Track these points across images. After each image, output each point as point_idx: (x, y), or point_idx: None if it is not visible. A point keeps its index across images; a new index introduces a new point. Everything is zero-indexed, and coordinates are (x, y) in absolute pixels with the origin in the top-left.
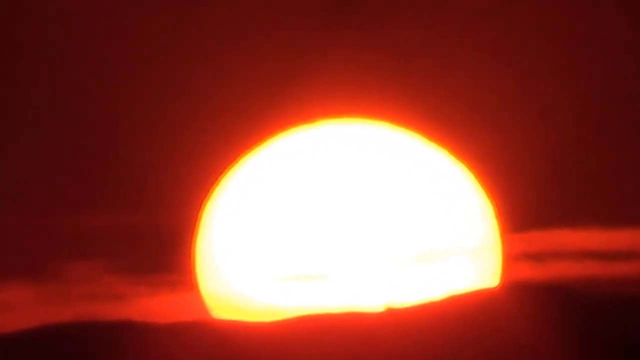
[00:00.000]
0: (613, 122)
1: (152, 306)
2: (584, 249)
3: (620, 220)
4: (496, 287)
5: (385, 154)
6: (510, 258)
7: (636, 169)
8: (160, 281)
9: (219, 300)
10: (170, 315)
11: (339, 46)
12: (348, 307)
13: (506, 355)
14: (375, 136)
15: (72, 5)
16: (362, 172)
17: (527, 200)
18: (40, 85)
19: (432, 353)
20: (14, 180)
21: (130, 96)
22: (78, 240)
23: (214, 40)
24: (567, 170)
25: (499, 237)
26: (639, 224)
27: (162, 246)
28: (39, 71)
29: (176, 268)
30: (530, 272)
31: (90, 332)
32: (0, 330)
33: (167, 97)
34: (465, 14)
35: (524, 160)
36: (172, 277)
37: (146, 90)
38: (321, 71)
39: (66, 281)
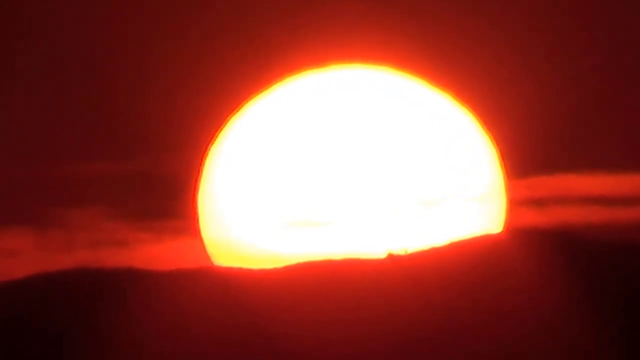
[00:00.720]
0: (619, 69)
1: (154, 253)
2: (588, 194)
3: (625, 165)
4: (500, 233)
5: (389, 99)
6: (514, 203)
7: None
8: (163, 227)
9: (222, 247)
10: (172, 261)
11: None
12: (350, 253)
13: (509, 300)
14: (379, 81)
15: None
16: (366, 117)
17: (531, 146)
18: (41, 39)
19: (434, 298)
20: (16, 129)
21: (133, 44)
22: (80, 187)
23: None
24: (571, 116)
25: (502, 183)
26: None
27: (164, 193)
28: (38, 27)
29: (179, 214)
30: (534, 217)
31: (92, 279)
32: (2, 277)
33: (170, 44)
34: None
35: (528, 105)
36: (175, 223)
37: (149, 38)
38: (325, 16)
39: (68, 228)
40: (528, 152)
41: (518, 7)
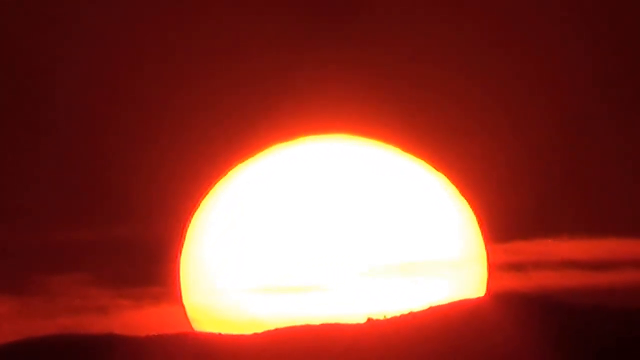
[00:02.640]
0: (594, 134)
1: (135, 319)
2: (566, 259)
3: (602, 230)
4: (479, 297)
5: (368, 168)
6: (494, 268)
7: (617, 181)
8: (144, 294)
9: (203, 313)
10: (153, 327)
11: (322, 64)
12: (329, 318)
13: None
14: (358, 151)
15: (72, 8)
16: (346, 185)
17: (510, 211)
18: (24, 102)
19: None
20: None
21: (116, 111)
22: (61, 254)
23: (205, 57)
24: (549, 182)
25: (482, 248)
26: (621, 234)
27: (145, 259)
28: (25, 86)
29: (160, 281)
30: (514, 282)
31: (74, 345)
32: None
33: (154, 113)
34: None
35: (506, 172)
36: (156, 290)
37: (130, 105)
38: (305, 88)
39: (50, 294)
40: (506, 218)
41: (490, 82)
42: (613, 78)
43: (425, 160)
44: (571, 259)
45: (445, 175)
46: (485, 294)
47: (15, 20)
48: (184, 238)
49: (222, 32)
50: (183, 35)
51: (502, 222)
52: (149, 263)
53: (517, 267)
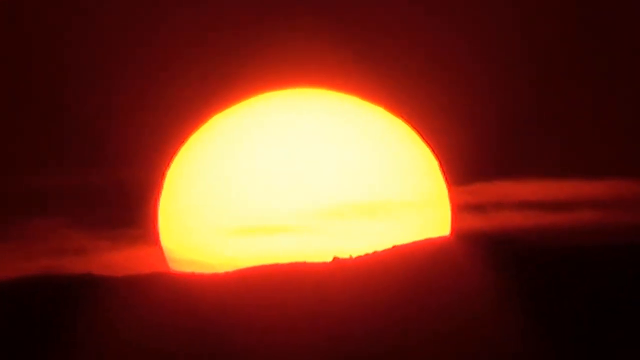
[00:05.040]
0: (554, 72)
1: (113, 260)
2: (525, 200)
3: (560, 171)
4: (443, 237)
5: (332, 115)
6: (456, 209)
7: (575, 121)
8: (122, 236)
9: (178, 254)
10: (130, 268)
11: (287, 16)
12: (298, 257)
13: (450, 303)
14: (323, 100)
15: None
16: (313, 131)
17: (470, 154)
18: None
19: (379, 302)
20: None
21: (94, 57)
22: (41, 199)
23: (174, 11)
24: (508, 123)
25: (444, 190)
26: (579, 175)
27: (123, 202)
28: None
29: (137, 223)
30: (475, 222)
31: (54, 285)
32: None
33: (133, 58)
34: None
35: (467, 114)
36: (134, 232)
37: (112, 50)
38: (269, 41)
39: (30, 238)
40: (467, 160)
41: (449, 18)
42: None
43: (385, 107)
44: (530, 200)
45: (405, 120)
46: (448, 234)
47: None
48: (162, 182)
49: None
50: None
51: (463, 165)
52: (127, 206)
53: (478, 208)
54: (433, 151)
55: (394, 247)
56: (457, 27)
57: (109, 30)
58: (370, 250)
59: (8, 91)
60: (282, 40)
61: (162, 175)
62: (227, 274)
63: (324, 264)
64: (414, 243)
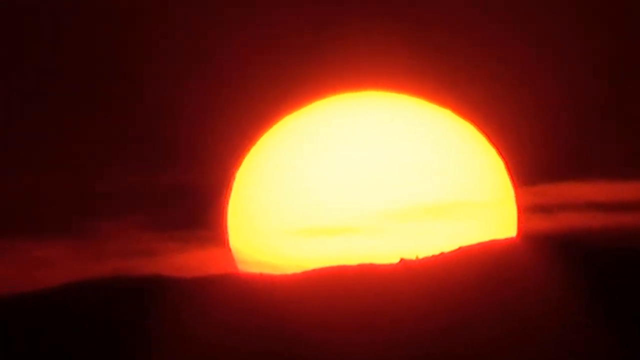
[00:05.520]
0: (619, 78)
1: (182, 261)
2: (591, 201)
3: (626, 172)
4: (508, 239)
5: (399, 118)
6: (522, 211)
7: None
8: (191, 237)
9: (247, 255)
10: (199, 269)
11: (359, 17)
12: (364, 258)
13: (519, 304)
14: (390, 103)
15: None
16: (380, 133)
17: (537, 155)
18: (77, 56)
19: (445, 303)
20: (52, 141)
21: (167, 60)
22: (113, 198)
23: (246, 9)
24: (574, 124)
25: (510, 191)
26: None
27: (193, 204)
28: (77, 44)
29: (207, 224)
30: (541, 224)
31: (123, 287)
32: (38, 285)
33: (203, 64)
34: None
35: (534, 116)
36: (203, 233)
37: (181, 56)
38: (339, 44)
39: (101, 238)
40: (534, 161)
41: (515, 18)
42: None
43: (452, 109)
44: (597, 201)
45: (472, 122)
46: (515, 235)
47: None
48: (232, 183)
49: None
50: None
51: (529, 166)
52: (196, 208)
53: (545, 209)
54: (499, 152)
55: (460, 248)
56: (525, 27)
57: (181, 33)
58: (436, 252)
59: (82, 91)
60: (351, 43)
61: (232, 177)
62: (294, 275)
63: (391, 265)
64: (480, 244)
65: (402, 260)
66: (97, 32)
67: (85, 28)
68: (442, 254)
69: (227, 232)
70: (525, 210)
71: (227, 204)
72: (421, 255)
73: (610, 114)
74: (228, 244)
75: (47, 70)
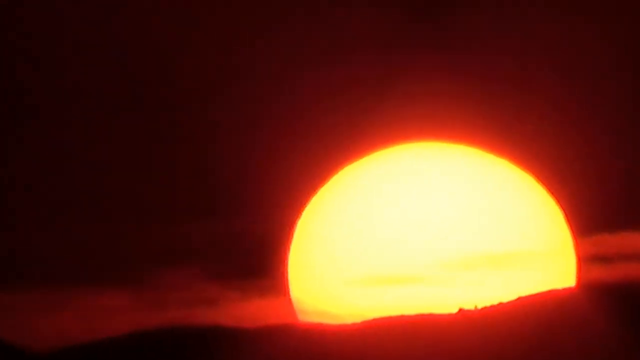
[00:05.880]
0: None
1: (242, 311)
2: None
3: None
4: (567, 289)
5: (458, 168)
6: (581, 260)
7: None
8: (251, 286)
9: (307, 304)
10: (259, 319)
11: (421, 68)
12: (423, 308)
13: (578, 355)
14: (449, 153)
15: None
16: (437, 184)
17: (596, 204)
18: (135, 99)
19: (504, 353)
20: (113, 189)
21: (227, 108)
22: (171, 247)
23: (311, 57)
24: (633, 174)
25: (569, 241)
26: None
27: (253, 252)
28: (135, 86)
29: (267, 273)
30: (600, 274)
31: (184, 337)
32: (99, 335)
33: (262, 112)
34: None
35: (592, 166)
36: (263, 282)
37: (243, 102)
38: (404, 92)
39: (160, 288)
40: (592, 211)
41: (575, 84)
42: None
43: (510, 159)
44: None
45: (530, 172)
46: (575, 285)
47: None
48: (292, 233)
49: (329, 33)
50: (294, 35)
51: (588, 216)
52: (257, 257)
53: (603, 259)
54: (558, 202)
55: (519, 298)
56: (582, 82)
57: (249, 81)
58: (495, 301)
59: (148, 142)
60: (408, 94)
61: (293, 225)
62: (354, 324)
63: (450, 315)
64: (540, 294)
65: (461, 310)
66: (171, 79)
67: (161, 71)
68: (500, 304)
69: (287, 281)
70: (584, 260)
71: (288, 253)
72: (480, 305)
73: None
74: (288, 293)
75: (113, 113)
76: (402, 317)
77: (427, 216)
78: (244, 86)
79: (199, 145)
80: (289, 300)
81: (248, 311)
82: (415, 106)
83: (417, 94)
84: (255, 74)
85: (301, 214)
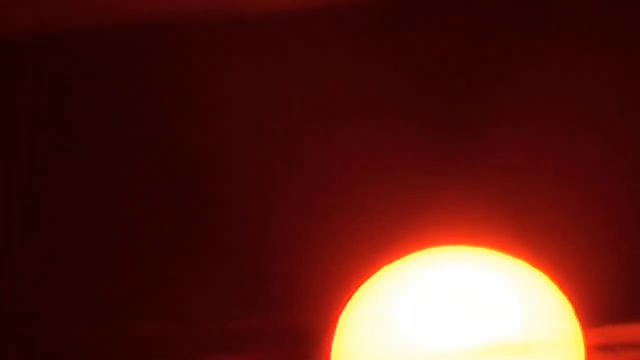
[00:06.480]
0: None
1: None
2: None
3: None
4: None
5: (474, 270)
6: (590, 350)
7: None
8: None
9: None
10: None
11: (450, 184)
12: None
13: None
14: (468, 256)
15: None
16: (458, 286)
17: (600, 298)
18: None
19: None
20: (153, 286)
21: (275, 210)
22: (230, 340)
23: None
24: (633, 269)
25: (578, 332)
26: None
27: (299, 346)
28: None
29: None
30: None
31: None
32: None
33: (315, 215)
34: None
35: (595, 262)
36: None
37: (285, 193)
38: (434, 203)
39: None
40: (598, 304)
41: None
42: None
43: (526, 260)
44: None
45: (542, 270)
46: None
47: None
48: (335, 326)
49: (363, 150)
50: (337, 155)
51: (594, 309)
52: (302, 350)
53: (609, 348)
54: (568, 297)
55: None
56: (583, 178)
57: (278, 176)
58: None
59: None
60: (437, 201)
61: (336, 320)
62: None
63: None
64: None
65: None
66: (229, 188)
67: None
68: None
69: None
70: (591, 349)
71: (331, 344)
72: None
73: None
74: None
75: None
76: None
77: (445, 312)
78: (293, 190)
79: (246, 241)
80: None
81: None
82: (443, 213)
83: (444, 201)
84: (286, 167)
85: (343, 309)
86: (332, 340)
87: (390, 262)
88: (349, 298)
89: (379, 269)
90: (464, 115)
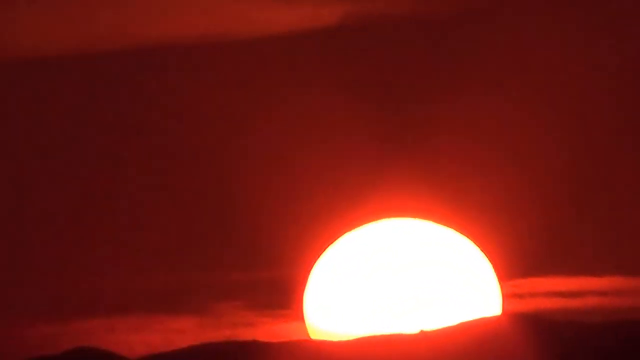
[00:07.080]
0: (576, 184)
1: (272, 331)
2: (550, 291)
3: (574, 269)
4: (495, 316)
5: (410, 239)
6: (504, 297)
7: (587, 230)
8: (279, 314)
9: (316, 328)
10: (284, 337)
11: (394, 164)
12: (393, 331)
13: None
14: (408, 228)
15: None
16: (408, 256)
17: (513, 256)
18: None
19: None
20: (173, 240)
21: (249, 166)
22: (224, 287)
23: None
24: (541, 235)
25: (495, 284)
26: (589, 272)
27: (282, 292)
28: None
29: (291, 306)
30: (518, 306)
31: (232, 348)
32: (173, 346)
33: (281, 176)
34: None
35: (514, 228)
36: (288, 312)
37: (263, 166)
38: (380, 179)
39: (215, 315)
40: (510, 261)
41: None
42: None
43: (452, 228)
44: (554, 290)
45: (467, 236)
46: (501, 314)
47: None
48: (307, 278)
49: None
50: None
51: (508, 265)
52: (284, 295)
53: (520, 296)
54: (487, 255)
55: (460, 322)
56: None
57: (261, 158)
58: (441, 327)
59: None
60: (387, 182)
61: (309, 273)
62: (340, 342)
63: (412, 335)
64: (474, 321)
65: (421, 331)
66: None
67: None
68: (446, 328)
69: (303, 312)
70: (506, 297)
71: (305, 291)
72: (427, 329)
73: (567, 226)
74: (304, 320)
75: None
76: (375, 337)
77: (401, 282)
78: (261, 161)
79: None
80: (304, 325)
81: (276, 331)
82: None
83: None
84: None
85: (315, 264)
86: (304, 287)
87: (352, 228)
88: (321, 254)
89: (344, 234)
90: (409, 121)
